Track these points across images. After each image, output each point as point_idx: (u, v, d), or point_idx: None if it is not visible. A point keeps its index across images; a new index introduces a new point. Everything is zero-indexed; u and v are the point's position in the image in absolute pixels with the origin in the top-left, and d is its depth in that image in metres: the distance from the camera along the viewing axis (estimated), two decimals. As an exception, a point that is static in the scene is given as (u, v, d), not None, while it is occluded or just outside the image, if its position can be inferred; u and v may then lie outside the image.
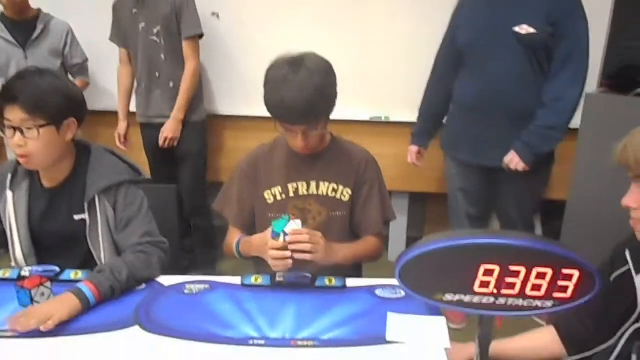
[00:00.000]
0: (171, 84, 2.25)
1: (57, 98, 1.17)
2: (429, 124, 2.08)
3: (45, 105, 1.15)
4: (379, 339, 1.00)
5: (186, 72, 2.23)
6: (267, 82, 1.19)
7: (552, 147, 1.75)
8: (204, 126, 2.43)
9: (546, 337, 1.09)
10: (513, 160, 1.77)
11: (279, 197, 1.32)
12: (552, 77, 1.73)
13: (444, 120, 2.08)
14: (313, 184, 1.31)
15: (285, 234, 1.12)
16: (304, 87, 1.13)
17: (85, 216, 1.26)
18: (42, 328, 0.99)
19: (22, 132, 1.15)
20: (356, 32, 2.43)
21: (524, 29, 1.72)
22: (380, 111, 2.49)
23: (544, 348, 1.08)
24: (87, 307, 1.08)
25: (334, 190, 1.31)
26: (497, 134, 1.80)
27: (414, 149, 2.12)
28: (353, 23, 2.42)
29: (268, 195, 1.32)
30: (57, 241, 1.30)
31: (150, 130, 2.34)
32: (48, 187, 1.28)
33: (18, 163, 1.26)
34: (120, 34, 2.27)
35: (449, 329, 1.06)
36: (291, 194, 1.31)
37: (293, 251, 1.12)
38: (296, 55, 1.18)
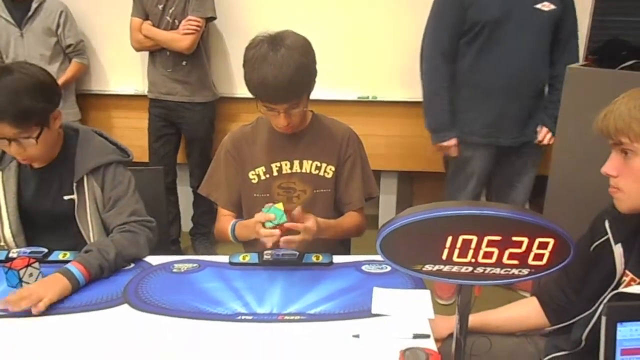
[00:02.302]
0: (184, 63, 2.30)
1: (38, 100, 1.15)
2: (451, 112, 2.00)
3: (31, 113, 1.15)
4: (365, 312, 1.02)
5: (179, 43, 2.22)
6: (247, 62, 1.18)
7: None
8: (213, 107, 2.46)
9: (529, 308, 1.12)
10: (547, 136, 1.80)
11: (263, 177, 1.32)
12: (564, 50, 1.80)
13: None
14: (296, 162, 1.32)
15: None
16: (284, 65, 1.12)
17: (74, 196, 1.27)
18: (33, 310, 1.01)
19: (18, 142, 1.17)
20: (343, 12, 2.41)
21: (545, 6, 1.75)
22: (367, 91, 2.48)
23: (528, 318, 1.11)
24: (76, 288, 1.10)
25: (317, 167, 1.32)
26: (518, 112, 1.82)
27: (453, 141, 1.97)
28: (339, 2, 2.40)
29: (252, 176, 1.33)
30: (46, 221, 1.31)
31: (159, 107, 2.38)
32: (37, 168, 1.29)
33: None
34: (142, 10, 2.29)
35: (438, 304, 1.09)
36: (275, 173, 1.32)
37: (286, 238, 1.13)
38: (274, 34, 1.18)
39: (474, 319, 1.10)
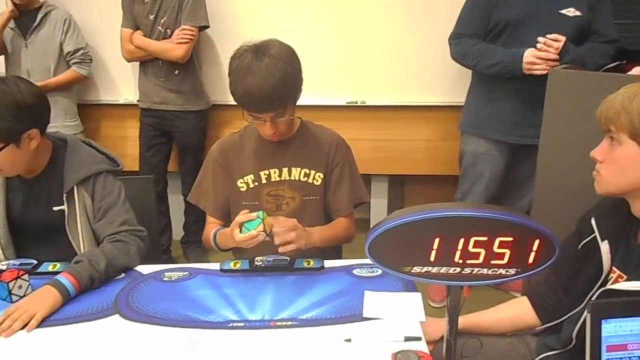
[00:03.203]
0: (176, 72, 2.29)
1: (6, 120, 1.12)
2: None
3: None
4: (356, 316, 1.03)
5: (173, 52, 2.22)
6: (232, 72, 1.19)
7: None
8: (206, 115, 2.46)
9: (520, 308, 1.12)
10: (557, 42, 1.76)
11: (251, 185, 1.33)
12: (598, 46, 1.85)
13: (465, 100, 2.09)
14: (285, 170, 1.32)
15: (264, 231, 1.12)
16: (268, 75, 1.13)
17: (64, 207, 1.26)
18: (26, 330, 1.00)
19: None
20: (332, 18, 2.43)
21: (571, 12, 1.79)
22: (356, 96, 2.50)
23: (519, 318, 1.12)
24: (67, 299, 1.09)
25: (306, 175, 1.33)
26: (534, 112, 1.80)
27: (528, 53, 1.83)
28: (328, 8, 2.42)
29: (241, 184, 1.33)
30: (36, 232, 1.30)
31: (151, 116, 2.38)
32: (26, 179, 1.28)
33: None
34: (132, 21, 2.29)
35: (430, 307, 1.09)
36: (264, 181, 1.32)
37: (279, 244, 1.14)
38: (259, 43, 1.18)
39: (466, 320, 1.11)
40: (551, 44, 1.75)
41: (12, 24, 2.26)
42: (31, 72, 2.26)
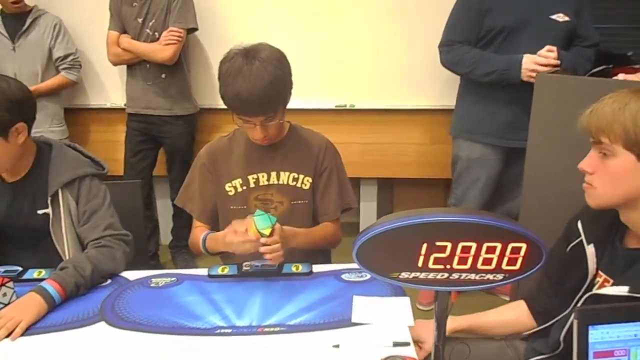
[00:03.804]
0: (163, 76, 2.27)
1: None
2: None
3: None
4: (345, 322, 1.02)
5: (160, 53, 2.20)
6: (221, 75, 1.18)
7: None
8: (194, 120, 2.44)
9: (519, 311, 1.12)
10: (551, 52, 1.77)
11: (239, 189, 1.32)
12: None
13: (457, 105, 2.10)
14: (273, 174, 1.31)
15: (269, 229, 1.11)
16: (258, 78, 1.13)
17: (49, 210, 1.24)
18: (10, 338, 0.99)
19: None
20: (321, 21, 2.43)
21: (560, 17, 1.81)
22: (345, 99, 2.50)
23: (517, 321, 1.12)
24: (52, 306, 1.08)
25: (294, 179, 1.32)
26: (526, 114, 1.77)
27: (526, 59, 1.84)
28: (318, 11, 2.42)
29: (229, 188, 1.32)
30: (20, 236, 1.29)
31: (138, 121, 2.35)
32: (9, 182, 1.27)
33: None
34: (120, 24, 2.26)
35: (419, 310, 1.09)
36: (252, 185, 1.31)
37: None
38: (249, 47, 1.18)
39: (468, 321, 1.11)
40: (547, 54, 1.77)
41: (1, 28, 2.23)
42: (19, 76, 2.21)
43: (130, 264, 1.27)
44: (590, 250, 0.96)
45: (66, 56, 2.32)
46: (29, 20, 2.23)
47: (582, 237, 0.99)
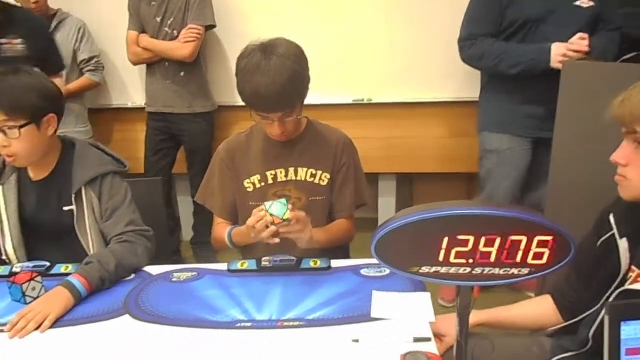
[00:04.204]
0: (182, 74, 2.30)
1: (34, 97, 1.19)
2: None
3: (23, 105, 1.18)
4: (364, 317, 1.01)
5: (180, 51, 2.22)
6: (239, 72, 1.17)
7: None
8: (212, 117, 2.46)
9: (545, 306, 1.09)
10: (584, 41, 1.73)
11: (258, 185, 1.32)
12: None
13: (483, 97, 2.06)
14: (292, 170, 1.31)
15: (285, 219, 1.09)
16: (277, 74, 1.12)
17: (73, 207, 1.28)
18: (40, 331, 1.02)
19: (4, 133, 1.18)
20: (337, 16, 2.41)
21: (584, 3, 1.77)
22: (362, 93, 2.48)
23: (542, 316, 1.09)
24: (79, 300, 1.11)
25: (312, 175, 1.31)
26: (553, 105, 1.74)
27: (556, 47, 1.80)
28: (334, 5, 2.40)
29: (248, 184, 1.32)
30: (48, 233, 1.32)
31: (158, 120, 2.38)
32: (36, 180, 1.31)
33: None
34: (139, 24, 2.30)
35: (441, 306, 1.07)
36: (270, 181, 1.31)
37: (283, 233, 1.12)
38: (266, 42, 1.17)
39: (488, 315, 1.09)
40: (579, 42, 1.72)
41: None
42: None
43: (153, 259, 1.29)
44: (623, 244, 0.93)
45: (90, 59, 2.37)
46: (54, 24, 2.28)
47: (615, 230, 0.95)
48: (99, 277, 1.14)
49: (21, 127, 1.18)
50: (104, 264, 1.16)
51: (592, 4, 1.80)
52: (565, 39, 1.76)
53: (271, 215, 1.08)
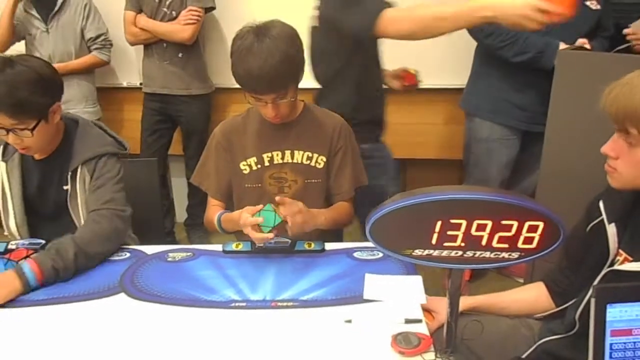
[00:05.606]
0: (180, 55, 2.27)
1: (37, 95, 1.15)
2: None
3: (29, 107, 1.15)
4: (357, 298, 1.03)
5: (180, 34, 2.19)
6: (233, 53, 1.18)
7: None
8: (210, 99, 2.44)
9: (537, 292, 1.12)
10: None
11: (254, 167, 1.32)
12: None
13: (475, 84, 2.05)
14: (287, 152, 1.31)
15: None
16: (269, 56, 1.12)
17: (68, 186, 1.27)
18: None
19: (15, 132, 1.17)
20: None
21: (593, 4, 1.78)
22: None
23: (536, 302, 1.11)
24: (27, 290, 1.07)
25: (308, 158, 1.32)
26: (545, 96, 1.74)
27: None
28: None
29: (244, 166, 1.33)
30: (49, 211, 1.32)
31: (155, 100, 2.36)
32: (39, 159, 1.30)
33: None
34: (137, 3, 2.26)
35: (433, 289, 1.09)
36: (266, 164, 1.32)
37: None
38: (261, 24, 1.17)
39: (482, 300, 1.11)
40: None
41: (32, 10, 2.23)
42: (53, 57, 2.23)
43: (144, 241, 1.29)
44: (611, 229, 0.95)
45: (98, 36, 2.33)
46: (59, 2, 2.23)
47: (604, 216, 0.97)
48: (52, 267, 1.09)
49: (32, 128, 1.17)
50: (62, 251, 1.11)
51: (599, 7, 1.81)
52: (571, 38, 1.76)
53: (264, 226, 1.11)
